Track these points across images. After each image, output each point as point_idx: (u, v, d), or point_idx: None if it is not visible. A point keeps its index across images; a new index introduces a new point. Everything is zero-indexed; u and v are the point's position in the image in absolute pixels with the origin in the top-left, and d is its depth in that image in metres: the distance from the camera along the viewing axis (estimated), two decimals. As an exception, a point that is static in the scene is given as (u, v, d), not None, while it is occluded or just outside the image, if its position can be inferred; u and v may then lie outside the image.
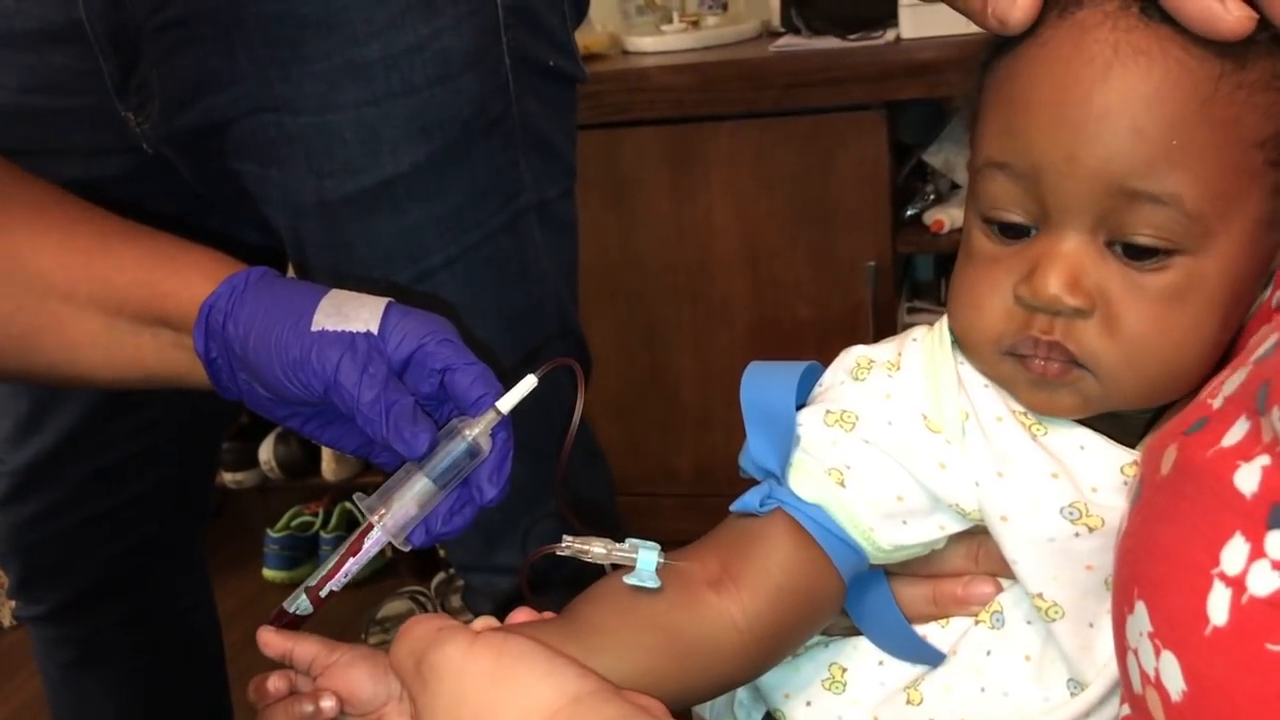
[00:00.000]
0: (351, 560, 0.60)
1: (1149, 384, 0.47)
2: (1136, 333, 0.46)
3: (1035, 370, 0.48)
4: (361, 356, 0.59)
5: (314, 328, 0.60)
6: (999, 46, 0.49)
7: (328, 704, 0.54)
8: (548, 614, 0.54)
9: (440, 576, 1.95)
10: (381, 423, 0.58)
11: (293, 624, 0.61)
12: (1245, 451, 0.36)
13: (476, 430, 0.59)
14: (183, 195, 0.84)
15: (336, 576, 0.60)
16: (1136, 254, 0.45)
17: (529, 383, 0.60)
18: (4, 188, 0.68)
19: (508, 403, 0.60)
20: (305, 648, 0.56)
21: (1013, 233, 0.48)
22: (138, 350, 0.67)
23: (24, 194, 0.68)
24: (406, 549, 0.61)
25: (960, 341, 0.52)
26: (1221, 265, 0.45)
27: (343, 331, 0.60)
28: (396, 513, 0.59)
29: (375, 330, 0.61)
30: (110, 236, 0.68)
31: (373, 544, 0.60)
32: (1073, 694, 0.49)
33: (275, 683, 0.55)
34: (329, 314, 0.61)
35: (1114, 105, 0.44)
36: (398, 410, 0.58)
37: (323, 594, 0.60)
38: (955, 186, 1.80)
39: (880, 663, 0.55)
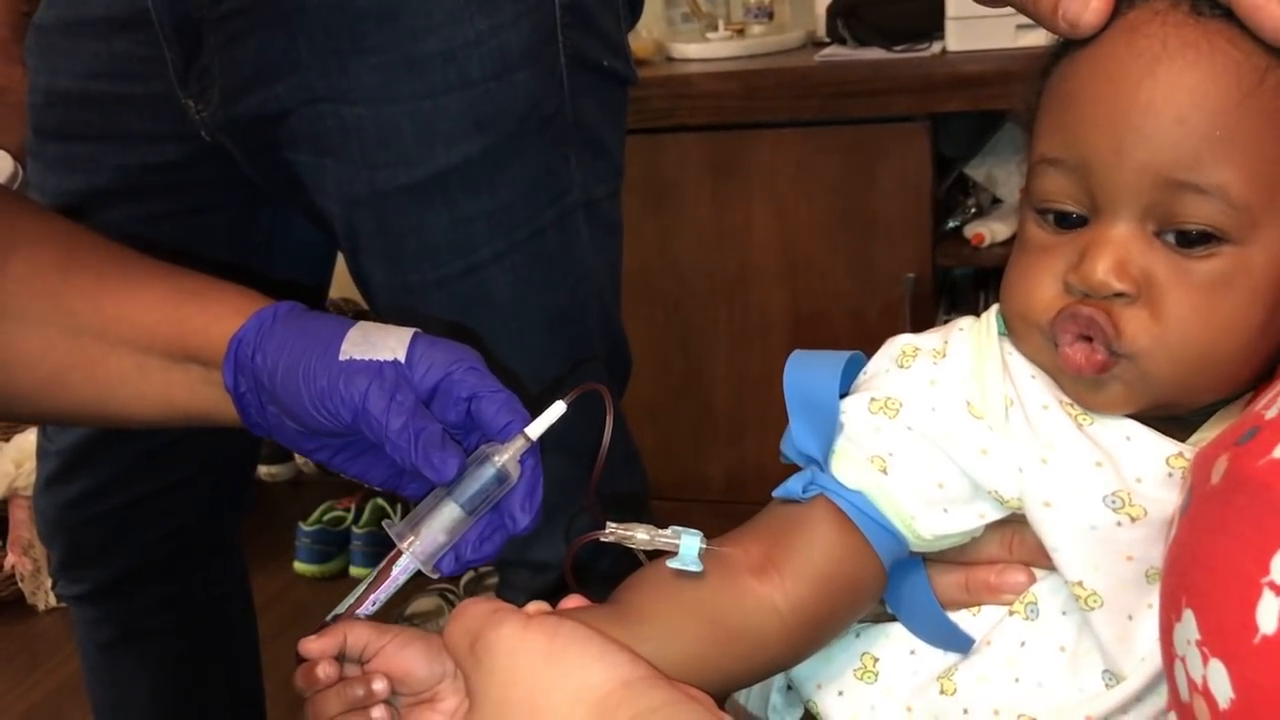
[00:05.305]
0: (381, 589, 0.60)
1: (1188, 372, 0.47)
2: (1177, 318, 0.46)
3: (1072, 365, 0.48)
4: (389, 384, 0.59)
5: (342, 357, 0.60)
6: (1057, 54, 0.50)
7: (379, 685, 0.54)
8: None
9: (469, 575, 1.96)
10: (410, 449, 0.58)
11: None
12: (1299, 463, 0.36)
13: (505, 456, 0.59)
14: (237, 183, 0.85)
15: (365, 604, 0.60)
16: (1185, 242, 0.46)
17: (557, 409, 0.60)
18: (35, 228, 0.68)
19: (536, 429, 0.60)
20: (356, 634, 0.56)
21: (1065, 222, 0.49)
22: (168, 387, 0.67)
23: (53, 234, 0.69)
24: (435, 576, 0.61)
25: (1009, 326, 0.52)
26: (1269, 257, 0.46)
27: (370, 360, 0.60)
28: (425, 539, 0.59)
29: (402, 359, 0.61)
30: (139, 275, 0.68)
31: (401, 571, 0.60)
32: (1108, 685, 0.49)
33: (325, 669, 0.55)
34: (356, 343, 0.61)
35: (1159, 97, 0.45)
36: (426, 436, 0.58)
37: None
38: (997, 200, 1.80)
39: (912, 652, 0.55)
